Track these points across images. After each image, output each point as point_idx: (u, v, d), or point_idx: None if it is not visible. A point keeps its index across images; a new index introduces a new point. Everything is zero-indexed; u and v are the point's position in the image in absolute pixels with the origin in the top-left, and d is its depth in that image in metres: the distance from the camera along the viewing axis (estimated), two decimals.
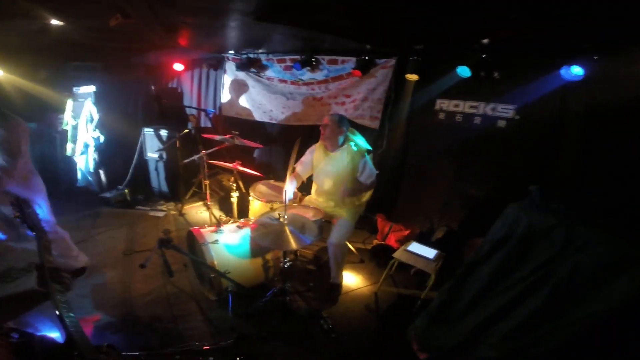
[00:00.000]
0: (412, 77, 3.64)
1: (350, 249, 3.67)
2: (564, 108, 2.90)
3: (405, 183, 4.34)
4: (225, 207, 4.31)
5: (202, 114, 4.21)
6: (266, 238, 2.38)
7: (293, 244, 2.30)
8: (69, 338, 1.14)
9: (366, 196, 3.20)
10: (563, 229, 1.81)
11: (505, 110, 3.32)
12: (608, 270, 1.65)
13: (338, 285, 3.11)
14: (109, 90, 3.97)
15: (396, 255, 3.08)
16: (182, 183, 4.30)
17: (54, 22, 2.20)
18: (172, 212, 4.21)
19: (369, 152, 3.01)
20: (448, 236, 3.76)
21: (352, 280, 3.32)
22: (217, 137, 3.18)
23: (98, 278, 2.91)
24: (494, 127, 3.42)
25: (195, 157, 3.31)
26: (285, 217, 2.50)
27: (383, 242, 3.99)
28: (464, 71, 3.19)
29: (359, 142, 3.04)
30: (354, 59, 3.87)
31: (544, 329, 1.79)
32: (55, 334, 1.17)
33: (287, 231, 2.40)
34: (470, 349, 2.06)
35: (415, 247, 3.18)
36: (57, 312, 1.17)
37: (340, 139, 2.93)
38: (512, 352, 1.88)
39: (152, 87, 2.17)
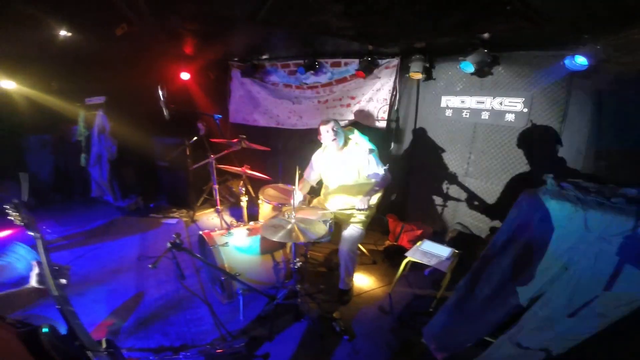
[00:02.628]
0: (416, 75, 3.64)
1: (362, 250, 3.63)
2: (571, 98, 2.85)
3: (415, 182, 4.30)
4: (236, 213, 4.34)
5: (211, 121, 4.30)
6: (276, 235, 2.41)
7: (301, 238, 2.32)
8: (71, 329, 1.17)
9: (376, 198, 3.16)
10: (581, 216, 1.73)
11: (512, 104, 3.27)
12: (635, 257, 1.56)
13: (348, 291, 3.05)
14: (119, 101, 4.10)
15: (409, 254, 3.02)
16: (193, 190, 4.37)
17: (63, 33, 2.29)
18: (185, 219, 4.27)
19: (371, 150, 2.98)
20: (462, 235, 3.69)
21: (364, 281, 3.27)
22: (225, 141, 3.23)
23: (112, 284, 2.95)
24: (502, 121, 3.37)
25: (204, 162, 3.36)
26: (294, 216, 2.51)
27: (395, 243, 3.93)
28: (467, 66, 3.16)
29: (360, 140, 3.03)
30: (357, 61, 3.91)
31: (570, 323, 1.70)
32: (57, 326, 1.22)
33: (296, 228, 2.41)
34: (492, 347, 1.98)
35: (429, 246, 3.12)
36: (58, 306, 1.20)
37: (340, 141, 2.90)
38: (537, 349, 1.80)
39: (160, 92, 2.22)
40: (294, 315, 2.65)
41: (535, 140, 3.15)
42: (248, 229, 3.00)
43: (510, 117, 3.31)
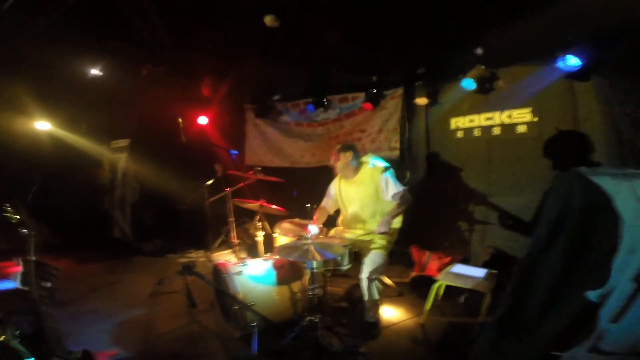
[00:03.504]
0: (422, 100, 3.76)
1: (387, 282, 3.34)
2: (578, 100, 2.83)
3: (437, 209, 4.10)
4: (253, 253, 4.25)
5: (227, 158, 4.49)
6: (291, 255, 2.34)
7: (318, 258, 2.24)
8: (39, 331, 1.11)
9: (397, 222, 3.02)
10: (627, 187, 1.55)
11: (521, 115, 3.26)
12: None
13: (376, 324, 2.73)
14: (142, 143, 4.40)
15: (440, 277, 2.76)
16: (211, 232, 4.40)
17: (94, 72, 2.62)
18: (201, 259, 4.28)
19: (387, 168, 2.94)
20: (497, 257, 3.37)
21: (392, 313, 2.95)
22: (241, 174, 3.33)
23: (121, 316, 2.87)
24: (515, 134, 3.33)
25: (220, 194, 3.44)
26: (310, 236, 2.44)
27: (422, 273, 3.61)
28: (468, 84, 3.25)
29: (375, 161, 3.02)
30: (363, 94, 4.10)
31: None
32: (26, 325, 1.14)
33: (312, 249, 2.31)
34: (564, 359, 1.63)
35: (461, 269, 2.85)
36: (35, 304, 1.17)
37: (353, 163, 2.90)
38: (625, 353, 1.47)
39: (179, 120, 2.42)
40: (313, 349, 2.36)
41: (553, 146, 3.04)
42: (263, 260, 2.90)
43: (522, 129, 3.27)
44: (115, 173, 4.45)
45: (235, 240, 3.52)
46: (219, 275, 2.78)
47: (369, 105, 4.05)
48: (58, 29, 2.30)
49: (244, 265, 2.77)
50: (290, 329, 2.47)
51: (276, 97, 4.61)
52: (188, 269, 2.25)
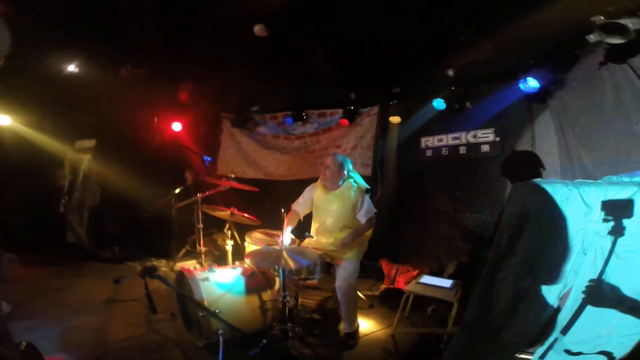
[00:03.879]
0: (395, 119, 3.97)
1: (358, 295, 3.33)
2: (535, 122, 3.14)
3: (405, 224, 4.25)
4: (221, 265, 4.08)
5: (199, 165, 4.36)
6: (263, 261, 2.32)
7: (291, 264, 2.19)
8: None
9: (367, 233, 3.07)
10: (576, 193, 1.72)
11: (485, 135, 3.53)
12: None
13: (354, 333, 2.68)
14: (109, 145, 4.17)
15: (409, 288, 2.82)
16: (176, 241, 4.17)
17: (71, 68, 2.48)
18: (164, 269, 4.01)
19: (367, 190, 3.00)
20: (460, 270, 3.49)
21: (363, 325, 2.92)
22: (214, 181, 3.24)
23: (71, 321, 2.60)
24: (479, 153, 3.58)
25: (190, 200, 3.30)
26: (284, 243, 2.40)
27: (392, 286, 3.65)
28: (439, 104, 3.49)
29: (359, 179, 3.07)
30: (341, 111, 4.26)
31: (615, 316, 1.51)
32: None
33: (285, 254, 2.27)
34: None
35: (429, 279, 2.92)
36: None
37: (340, 181, 2.92)
38: (594, 352, 1.55)
39: (155, 119, 2.33)
40: None
41: (513, 166, 3.31)
42: (232, 268, 2.78)
43: (485, 148, 3.53)
44: (76, 175, 4.14)
45: (202, 248, 3.34)
46: (183, 280, 2.61)
47: (345, 122, 4.19)
48: (38, 23, 2.17)
49: (211, 272, 2.64)
50: (260, 338, 2.35)
51: (255, 108, 4.64)
52: (149, 270, 2.07)
